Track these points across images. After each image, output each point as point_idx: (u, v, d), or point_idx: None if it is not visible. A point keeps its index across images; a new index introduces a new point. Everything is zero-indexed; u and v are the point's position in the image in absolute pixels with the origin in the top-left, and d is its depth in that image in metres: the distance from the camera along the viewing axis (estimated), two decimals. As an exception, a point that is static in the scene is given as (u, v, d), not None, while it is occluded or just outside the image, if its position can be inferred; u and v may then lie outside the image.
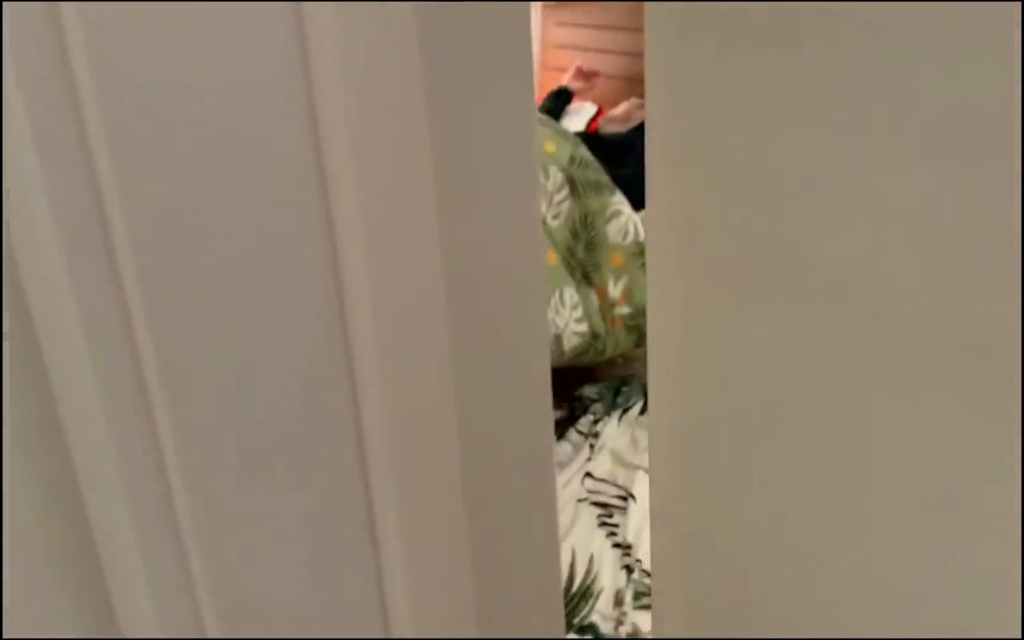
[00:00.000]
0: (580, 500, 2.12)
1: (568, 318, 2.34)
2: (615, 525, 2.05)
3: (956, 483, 0.40)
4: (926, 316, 0.39)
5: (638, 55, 3.33)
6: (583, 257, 2.41)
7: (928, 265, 0.38)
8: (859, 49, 0.37)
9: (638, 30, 3.31)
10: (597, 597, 1.85)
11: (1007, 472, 0.38)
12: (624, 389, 2.54)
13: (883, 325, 0.40)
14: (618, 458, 2.26)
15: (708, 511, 0.51)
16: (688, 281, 0.47)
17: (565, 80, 3.28)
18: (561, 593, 0.54)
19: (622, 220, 2.44)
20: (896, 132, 0.38)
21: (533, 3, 3.53)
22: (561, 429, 2.42)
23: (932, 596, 0.42)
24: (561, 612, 0.57)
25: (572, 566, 1.93)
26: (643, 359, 2.54)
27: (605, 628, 1.82)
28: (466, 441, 0.52)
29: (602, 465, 2.24)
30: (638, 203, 2.60)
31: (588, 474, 2.21)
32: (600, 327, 2.40)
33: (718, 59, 0.42)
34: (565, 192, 2.41)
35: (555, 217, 2.39)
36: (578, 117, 3.18)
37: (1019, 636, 0.40)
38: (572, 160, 2.44)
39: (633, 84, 3.33)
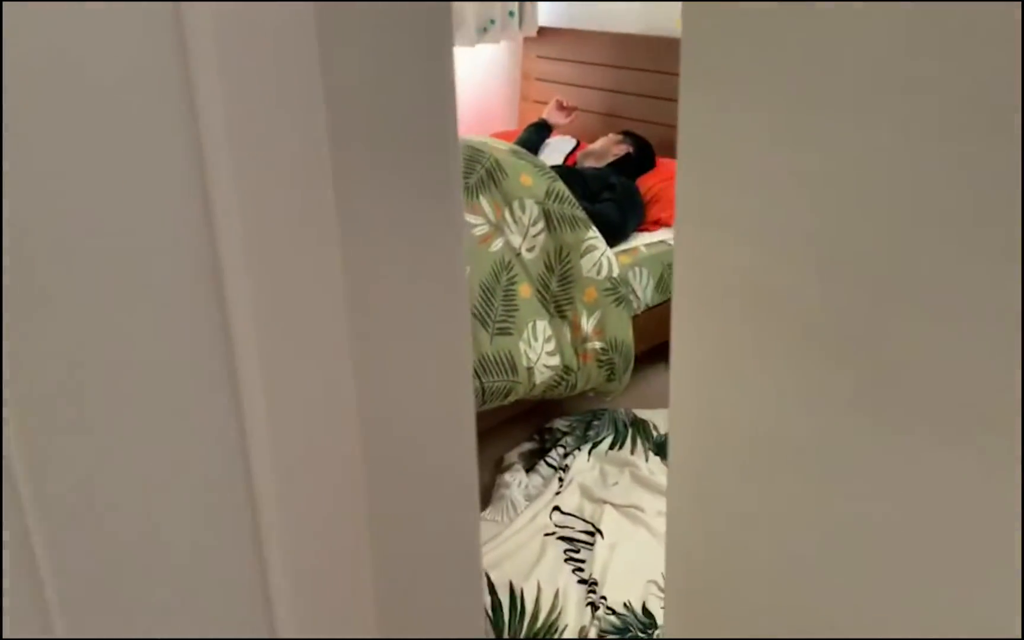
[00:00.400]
0: (548, 534, 2.12)
1: (540, 351, 2.34)
2: (581, 561, 2.04)
3: (958, 526, 0.42)
4: (938, 383, 0.41)
5: (617, 91, 3.36)
6: (557, 290, 2.42)
7: (941, 334, 0.40)
8: (890, 126, 0.39)
9: (618, 66, 3.35)
10: (561, 633, 1.85)
11: (1011, 514, 0.40)
12: (595, 423, 2.54)
13: (886, 385, 0.42)
14: (586, 492, 2.26)
15: (722, 556, 0.53)
16: (711, 330, 0.49)
17: (545, 113, 3.31)
18: (482, 603, 0.54)
19: (596, 255, 2.45)
20: (919, 206, 0.40)
21: (515, 36, 3.56)
22: (531, 461, 2.42)
23: (940, 626, 0.44)
24: (482, 621, 0.56)
25: (537, 601, 1.92)
26: (614, 394, 2.55)
27: (568, 665, 1.81)
28: (365, 432, 0.51)
29: (571, 499, 2.24)
30: (612, 239, 2.62)
31: (556, 508, 2.21)
32: (572, 361, 2.41)
33: (757, 120, 0.44)
34: (541, 225, 2.42)
35: (530, 250, 2.40)
36: (557, 150, 3.21)
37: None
38: (548, 194, 2.45)
39: (611, 119, 3.36)
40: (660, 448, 2.46)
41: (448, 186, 0.48)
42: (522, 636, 1.84)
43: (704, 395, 0.49)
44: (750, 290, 0.46)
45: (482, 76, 3.69)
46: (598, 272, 2.44)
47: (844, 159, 0.41)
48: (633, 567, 2.00)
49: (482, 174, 2.39)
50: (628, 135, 3.05)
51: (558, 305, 2.42)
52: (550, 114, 3.29)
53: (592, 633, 1.84)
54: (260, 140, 0.43)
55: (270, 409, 0.47)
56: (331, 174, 0.45)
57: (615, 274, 2.47)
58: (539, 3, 3.62)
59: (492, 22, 3.48)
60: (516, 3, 3.51)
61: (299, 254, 0.45)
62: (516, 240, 2.38)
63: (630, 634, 1.83)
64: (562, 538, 2.11)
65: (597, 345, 2.43)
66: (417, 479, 0.54)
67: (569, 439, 2.49)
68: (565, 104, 3.30)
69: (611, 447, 2.45)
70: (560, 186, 2.48)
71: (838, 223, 0.42)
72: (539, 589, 1.95)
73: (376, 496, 0.52)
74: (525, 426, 2.58)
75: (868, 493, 0.44)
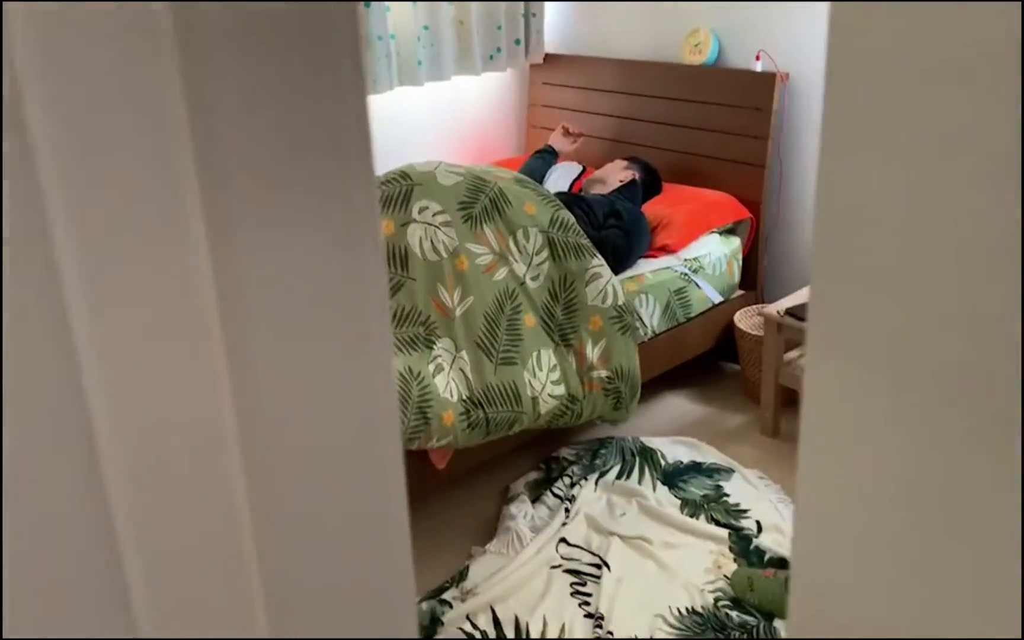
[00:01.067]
0: (554, 567, 2.09)
1: (545, 381, 2.32)
2: (588, 595, 2.01)
3: None
4: None
5: (623, 117, 3.36)
6: (562, 319, 2.40)
7: None
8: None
9: (624, 92, 3.34)
10: (567, 670, 1.82)
11: None
12: (602, 452, 2.51)
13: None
14: (593, 524, 2.23)
15: (847, 592, 0.57)
16: (847, 379, 0.52)
17: (550, 139, 3.30)
18: (413, 603, 0.52)
19: (601, 283, 2.44)
20: None
21: (521, 64, 3.57)
22: (537, 491, 2.40)
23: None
24: (414, 614, 0.54)
25: (543, 636, 1.90)
26: (620, 422, 2.52)
27: (575, 702, 1.78)
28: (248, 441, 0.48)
29: (577, 530, 2.21)
30: (618, 265, 2.60)
31: (563, 539, 2.18)
32: (578, 390, 2.39)
33: (906, 182, 0.47)
34: (545, 254, 2.41)
35: (534, 278, 2.39)
36: (563, 176, 3.21)
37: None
38: (552, 222, 2.44)
39: (617, 145, 3.36)
40: (668, 477, 2.42)
41: (347, 182, 0.46)
42: (527, 673, 1.81)
43: (836, 440, 0.53)
44: (891, 344, 0.49)
45: (488, 104, 3.70)
46: (603, 300, 2.43)
47: (995, 225, 0.44)
48: (640, 601, 1.97)
49: (486, 203, 2.38)
50: (635, 161, 3.04)
51: (563, 334, 2.40)
52: (556, 140, 3.29)
53: (598, 669, 1.81)
54: (94, 152, 0.40)
55: (117, 426, 0.44)
56: (194, 172, 0.42)
57: (621, 302, 2.45)
58: (546, 27, 3.63)
59: (498, 50, 3.49)
60: (522, 12, 3.51)
61: (151, 267, 0.42)
62: (520, 269, 2.37)
63: (637, 671, 1.80)
64: (568, 571, 2.08)
65: (603, 373, 2.41)
66: (320, 484, 0.51)
67: (575, 468, 2.46)
68: (571, 130, 3.29)
69: (618, 476, 2.42)
70: (564, 214, 2.47)
71: (988, 284, 0.44)
72: (545, 624, 1.92)
73: (263, 505, 0.49)
74: (531, 455, 2.56)
75: (996, 541, 0.46)
